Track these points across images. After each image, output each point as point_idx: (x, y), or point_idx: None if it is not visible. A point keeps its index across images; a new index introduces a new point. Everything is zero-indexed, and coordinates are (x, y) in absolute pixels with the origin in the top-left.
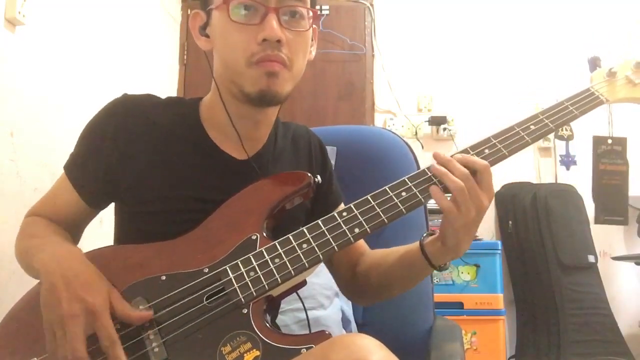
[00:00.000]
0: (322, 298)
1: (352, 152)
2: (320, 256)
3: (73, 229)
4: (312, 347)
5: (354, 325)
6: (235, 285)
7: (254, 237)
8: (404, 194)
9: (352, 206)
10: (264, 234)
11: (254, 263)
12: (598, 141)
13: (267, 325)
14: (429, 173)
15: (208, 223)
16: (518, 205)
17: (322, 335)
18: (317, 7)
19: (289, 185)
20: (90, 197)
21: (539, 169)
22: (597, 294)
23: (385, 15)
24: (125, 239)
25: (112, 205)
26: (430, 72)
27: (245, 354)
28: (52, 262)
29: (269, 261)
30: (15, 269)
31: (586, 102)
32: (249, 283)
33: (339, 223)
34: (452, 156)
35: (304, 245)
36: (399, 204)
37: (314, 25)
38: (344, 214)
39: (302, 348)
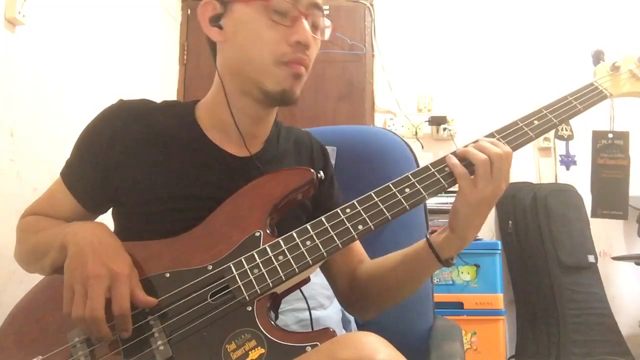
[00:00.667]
0: (322, 298)
1: (352, 152)
2: (325, 253)
3: None
4: (317, 344)
5: (354, 325)
6: (240, 283)
7: (257, 234)
8: (407, 190)
9: (355, 202)
10: (268, 231)
11: (258, 260)
12: (598, 136)
13: (272, 322)
14: (432, 169)
15: (211, 220)
16: (518, 205)
17: (326, 333)
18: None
19: (292, 181)
20: (88, 203)
21: (539, 169)
22: (597, 294)
23: (385, 15)
24: (126, 239)
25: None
26: (430, 72)
27: (250, 352)
28: (81, 232)
29: (273, 258)
30: (15, 269)
31: (590, 96)
32: (253, 281)
33: (343, 220)
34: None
35: (308, 243)
36: (402, 200)
37: None
38: (348, 210)
39: (307, 346)
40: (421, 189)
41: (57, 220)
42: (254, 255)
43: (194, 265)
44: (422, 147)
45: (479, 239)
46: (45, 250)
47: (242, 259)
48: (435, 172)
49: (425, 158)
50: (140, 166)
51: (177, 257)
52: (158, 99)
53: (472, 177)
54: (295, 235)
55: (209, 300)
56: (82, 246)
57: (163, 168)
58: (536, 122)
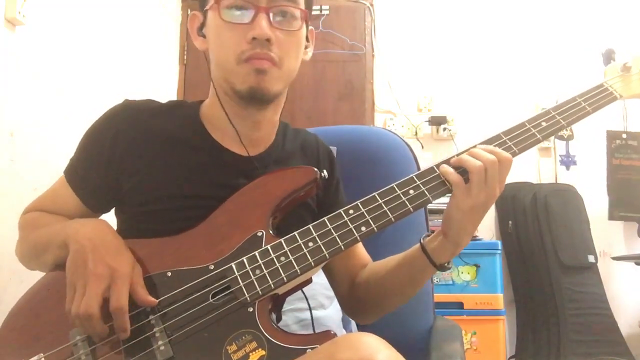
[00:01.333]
0: (323, 298)
1: (352, 152)
2: (327, 255)
3: None
4: (317, 347)
5: (354, 325)
6: (241, 284)
7: (259, 234)
8: (411, 191)
9: (358, 204)
10: (270, 231)
11: (260, 261)
12: (612, 136)
13: (273, 324)
14: (437, 170)
15: (213, 219)
16: (518, 205)
17: (327, 335)
18: (317, 7)
19: (296, 180)
20: (92, 202)
21: (539, 169)
22: (597, 294)
23: (385, 15)
24: (128, 237)
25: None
26: (430, 72)
27: (250, 354)
28: (83, 229)
29: (275, 259)
30: (15, 269)
31: (599, 98)
32: (255, 282)
33: (346, 221)
34: (476, 146)
35: (310, 244)
36: (406, 202)
37: (310, 27)
38: (351, 211)
39: (307, 348)
40: (425, 191)
41: (58, 217)
42: (255, 255)
43: (195, 264)
44: (422, 147)
45: (479, 239)
46: (46, 246)
47: (244, 259)
48: (441, 175)
49: (425, 158)
50: (143, 166)
51: (178, 256)
52: (158, 99)
53: (466, 184)
54: (297, 236)
55: (211, 300)
56: (83, 244)
57: (167, 167)
58: (544, 124)
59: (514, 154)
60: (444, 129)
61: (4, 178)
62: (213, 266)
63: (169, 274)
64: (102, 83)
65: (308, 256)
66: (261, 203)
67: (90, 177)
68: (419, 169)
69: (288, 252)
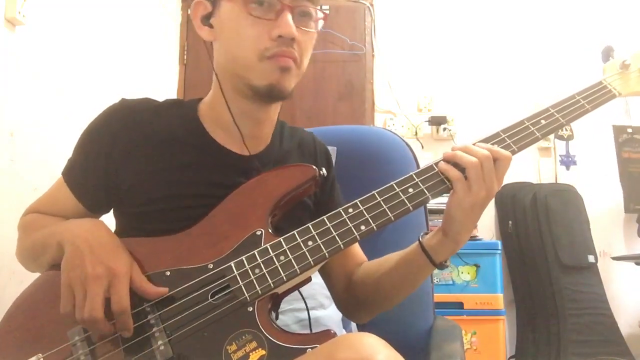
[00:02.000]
0: (322, 298)
1: (352, 152)
2: (326, 254)
3: None
4: (317, 347)
5: (354, 325)
6: (240, 283)
7: (258, 233)
8: (410, 190)
9: (358, 202)
10: (269, 230)
11: (259, 260)
12: (618, 130)
13: (273, 323)
14: (436, 168)
15: (211, 218)
16: (518, 205)
17: (327, 335)
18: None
19: (295, 178)
20: (90, 203)
21: (539, 169)
22: (597, 294)
23: (385, 15)
24: (127, 237)
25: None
26: (430, 72)
27: (250, 353)
28: (78, 229)
29: (274, 258)
30: (15, 269)
31: (598, 95)
32: (254, 281)
33: (345, 220)
34: (474, 144)
35: (310, 243)
36: (405, 200)
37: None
38: (350, 210)
39: (307, 348)
40: (425, 190)
41: (56, 218)
42: (255, 254)
43: (194, 263)
44: (422, 147)
45: (479, 239)
46: (43, 248)
47: (243, 259)
48: (440, 172)
49: (425, 158)
50: (141, 165)
51: (177, 255)
52: (158, 99)
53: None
54: (297, 235)
55: (210, 300)
56: (79, 245)
57: (165, 167)
58: (543, 122)
59: (513, 152)
60: (444, 129)
61: (4, 178)
62: (212, 265)
63: (168, 273)
64: (102, 83)
65: (307, 255)
66: (260, 201)
67: (88, 177)
68: (418, 168)
69: (287, 251)
